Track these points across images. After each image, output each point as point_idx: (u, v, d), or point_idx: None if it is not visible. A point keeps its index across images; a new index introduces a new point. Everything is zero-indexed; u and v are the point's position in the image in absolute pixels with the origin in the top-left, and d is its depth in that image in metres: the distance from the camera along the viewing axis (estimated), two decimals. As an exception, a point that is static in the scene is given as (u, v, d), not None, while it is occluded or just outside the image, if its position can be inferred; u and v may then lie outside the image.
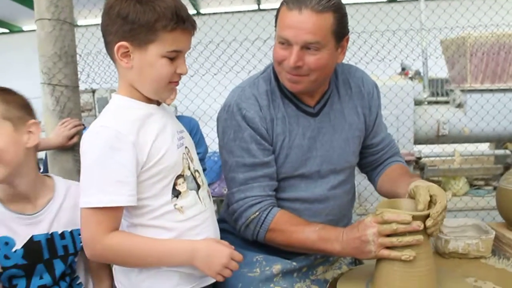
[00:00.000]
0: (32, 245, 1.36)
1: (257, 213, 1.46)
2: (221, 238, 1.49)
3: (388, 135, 1.71)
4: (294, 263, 1.51)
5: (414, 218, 1.20)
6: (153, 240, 1.25)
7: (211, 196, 1.47)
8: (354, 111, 1.59)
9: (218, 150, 1.61)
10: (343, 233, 1.33)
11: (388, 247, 1.23)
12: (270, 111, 1.49)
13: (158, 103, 1.36)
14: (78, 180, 1.27)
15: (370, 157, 1.69)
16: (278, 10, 1.42)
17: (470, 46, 3.72)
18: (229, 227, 1.62)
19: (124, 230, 1.28)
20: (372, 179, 1.74)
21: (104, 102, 6.83)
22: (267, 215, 1.45)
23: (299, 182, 1.54)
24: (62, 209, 1.43)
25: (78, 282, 1.51)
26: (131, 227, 1.29)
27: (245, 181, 1.47)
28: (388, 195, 1.58)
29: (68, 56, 2.22)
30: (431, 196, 1.25)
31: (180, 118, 2.26)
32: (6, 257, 1.33)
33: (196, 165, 1.41)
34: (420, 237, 1.20)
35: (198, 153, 2.28)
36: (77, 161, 2.19)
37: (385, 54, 3.75)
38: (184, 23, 1.23)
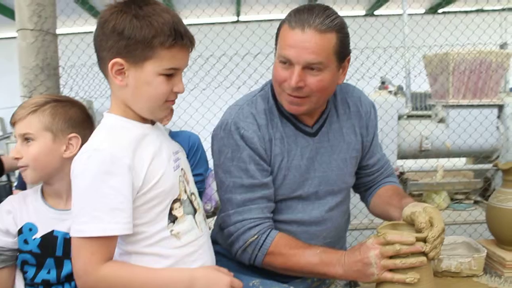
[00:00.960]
0: (49, 238, 1.43)
1: (255, 236, 1.42)
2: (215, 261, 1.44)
3: (383, 156, 1.70)
4: (292, 287, 1.48)
5: (417, 240, 1.18)
6: (149, 269, 1.19)
7: (206, 220, 1.42)
8: (352, 131, 1.57)
9: None
10: (344, 256, 1.31)
11: (390, 270, 1.20)
12: (268, 131, 1.46)
13: (153, 123, 1.30)
14: None
15: (365, 178, 1.68)
16: (279, 28, 1.40)
17: (452, 62, 3.77)
18: (222, 249, 1.58)
19: (118, 260, 1.20)
20: (364, 199, 1.73)
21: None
22: (266, 238, 1.42)
23: (296, 203, 1.51)
24: None
25: None
26: (125, 255, 1.22)
27: (243, 203, 1.44)
28: (380, 216, 1.57)
29: (51, 68, 2.17)
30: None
31: (178, 133, 2.15)
32: (26, 241, 1.42)
33: (192, 187, 1.36)
34: (423, 258, 1.18)
35: (199, 174, 2.20)
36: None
37: (364, 71, 3.78)
38: (182, 39, 1.18)
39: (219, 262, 1.51)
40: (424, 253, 1.19)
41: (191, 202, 1.31)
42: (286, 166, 1.48)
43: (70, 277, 1.44)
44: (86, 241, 1.12)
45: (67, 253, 1.42)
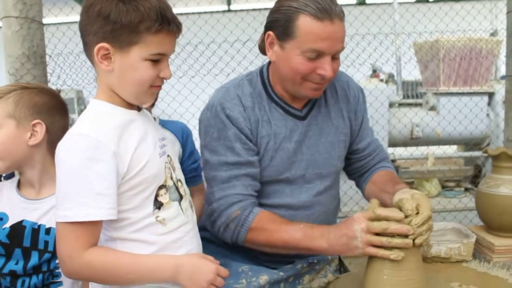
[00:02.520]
0: (18, 228, 1.40)
1: (238, 212, 1.40)
2: (203, 247, 1.43)
3: (374, 140, 1.70)
4: (281, 273, 1.48)
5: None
6: (134, 255, 1.17)
7: (193, 207, 1.41)
8: (340, 115, 1.57)
9: None
10: (329, 230, 1.29)
11: (377, 246, 1.20)
12: (254, 112, 1.46)
13: (139, 109, 1.28)
14: None
15: (357, 163, 1.68)
16: (293, 19, 1.34)
17: (443, 49, 3.78)
18: (211, 236, 1.57)
19: (103, 245, 1.19)
20: (359, 186, 1.72)
21: (69, 102, 6.66)
22: (249, 214, 1.40)
23: (284, 187, 1.50)
24: None
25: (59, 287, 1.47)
26: (110, 241, 1.20)
27: (228, 179, 1.42)
28: None
29: (37, 57, 2.13)
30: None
31: (169, 123, 2.13)
32: None
33: (179, 174, 1.34)
34: (409, 240, 1.18)
35: (195, 162, 2.20)
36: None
37: (354, 58, 3.77)
38: (169, 25, 1.15)
39: (208, 249, 1.50)
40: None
41: (177, 188, 1.29)
42: (274, 147, 1.47)
43: (37, 269, 1.42)
44: (71, 226, 1.10)
45: (34, 244, 1.41)
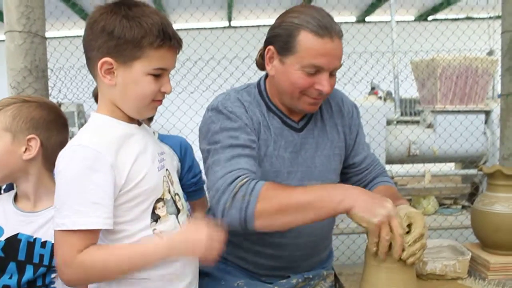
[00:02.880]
0: (13, 241, 1.39)
1: (246, 179, 1.31)
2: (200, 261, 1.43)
3: (371, 155, 1.71)
4: (276, 287, 1.48)
5: None
6: (125, 246, 1.18)
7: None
8: (335, 129, 1.60)
9: None
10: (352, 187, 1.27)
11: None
12: (256, 115, 1.47)
13: (139, 123, 1.31)
14: None
15: (354, 177, 1.69)
16: (294, 34, 1.37)
17: (439, 67, 3.81)
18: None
19: (95, 244, 1.18)
20: None
21: (70, 116, 6.70)
22: (256, 183, 1.30)
23: None
24: None
25: None
26: None
27: (231, 158, 1.36)
28: None
29: (39, 71, 2.15)
30: (409, 225, 1.24)
31: (168, 137, 2.15)
32: None
33: (177, 188, 1.36)
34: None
35: (198, 173, 2.22)
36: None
37: (351, 76, 3.80)
38: (170, 41, 1.20)
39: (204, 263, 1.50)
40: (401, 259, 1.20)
41: (174, 202, 1.31)
42: (273, 154, 1.48)
43: (32, 284, 1.40)
44: (68, 234, 1.12)
45: (29, 258, 1.39)
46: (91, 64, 1.22)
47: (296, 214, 1.26)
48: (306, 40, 1.35)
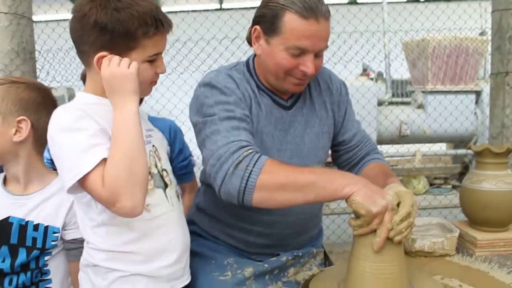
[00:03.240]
0: (4, 225, 1.38)
1: (250, 150, 1.28)
2: (191, 241, 1.45)
3: (361, 131, 1.71)
4: (266, 265, 1.49)
5: None
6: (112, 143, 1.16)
7: (180, 197, 1.43)
8: (323, 107, 1.60)
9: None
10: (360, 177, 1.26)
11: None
12: (247, 92, 1.47)
13: None
14: None
15: (345, 155, 1.69)
16: (279, 16, 1.35)
17: (432, 48, 3.81)
18: (198, 229, 1.59)
19: None
20: None
21: (60, 99, 6.64)
22: (260, 156, 1.28)
23: None
24: (47, 202, 1.43)
25: (48, 285, 1.47)
26: (95, 227, 1.23)
27: (231, 129, 1.34)
28: None
29: (27, 53, 2.14)
30: (398, 204, 1.23)
31: (157, 120, 2.14)
32: None
33: (165, 164, 1.37)
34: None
35: (189, 156, 2.23)
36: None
37: (341, 56, 3.79)
38: (163, 26, 1.21)
39: (194, 242, 1.52)
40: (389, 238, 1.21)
41: (161, 177, 1.33)
42: (263, 130, 1.48)
43: (25, 267, 1.41)
44: (85, 179, 1.10)
45: (22, 241, 1.39)
46: (84, 57, 1.21)
47: (296, 193, 1.23)
48: (290, 21, 1.34)
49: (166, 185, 1.34)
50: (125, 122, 1.15)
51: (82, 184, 1.12)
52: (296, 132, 1.53)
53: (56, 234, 1.44)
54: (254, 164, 1.25)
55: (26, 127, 1.40)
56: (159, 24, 1.19)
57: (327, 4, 1.38)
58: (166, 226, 1.30)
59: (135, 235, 1.24)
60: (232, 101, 1.39)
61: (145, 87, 1.26)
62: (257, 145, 1.39)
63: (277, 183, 1.24)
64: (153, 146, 1.34)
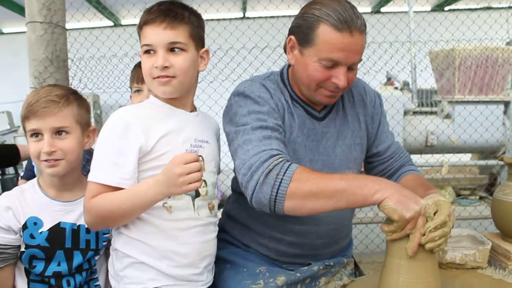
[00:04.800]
0: (57, 230, 1.43)
1: (280, 159, 1.30)
2: (221, 248, 1.48)
3: (395, 143, 1.70)
4: (298, 274, 1.50)
5: None
6: (124, 190, 1.30)
7: (214, 210, 1.46)
8: (356, 119, 1.59)
9: None
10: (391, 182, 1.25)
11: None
12: (281, 102, 1.48)
13: (192, 111, 1.48)
14: None
15: (380, 166, 1.69)
16: (314, 27, 1.37)
17: (458, 57, 3.77)
18: (229, 237, 1.60)
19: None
20: None
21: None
22: (290, 164, 1.29)
23: None
24: None
25: (96, 283, 1.54)
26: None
27: (263, 138, 1.35)
28: None
29: (60, 61, 2.18)
30: (435, 213, 1.21)
31: None
32: (32, 236, 1.41)
33: (206, 176, 1.42)
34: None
35: None
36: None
37: (370, 66, 3.77)
38: (155, 20, 1.33)
39: (226, 249, 1.54)
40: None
41: None
42: (295, 141, 1.48)
43: (80, 268, 1.47)
44: (90, 184, 1.30)
45: (76, 244, 1.45)
46: None
47: (327, 200, 1.23)
48: (325, 33, 1.35)
49: (197, 195, 1.39)
50: (140, 196, 1.27)
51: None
52: (328, 143, 1.53)
53: (106, 235, 1.51)
54: (285, 172, 1.26)
55: (93, 135, 1.51)
56: (152, 15, 1.32)
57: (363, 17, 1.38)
58: (186, 231, 1.37)
59: (151, 229, 1.34)
60: (265, 110, 1.41)
61: (148, 80, 1.37)
62: (289, 155, 1.40)
63: (307, 190, 1.24)
64: (200, 156, 1.40)
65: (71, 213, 1.46)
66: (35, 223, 1.42)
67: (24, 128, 1.44)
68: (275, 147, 1.33)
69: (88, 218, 1.33)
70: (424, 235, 1.18)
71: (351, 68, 1.40)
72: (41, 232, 1.41)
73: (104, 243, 1.51)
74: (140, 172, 1.32)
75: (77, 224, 1.46)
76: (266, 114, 1.40)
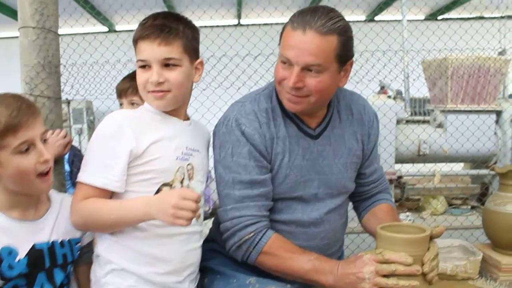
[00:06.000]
0: (35, 253, 1.33)
1: (251, 234, 1.42)
2: (211, 259, 1.47)
3: (380, 168, 1.72)
4: (288, 285, 1.48)
5: (414, 244, 1.20)
6: (116, 200, 1.32)
7: (201, 219, 1.46)
8: (354, 137, 1.58)
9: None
10: (338, 266, 1.32)
11: None
12: (270, 129, 1.47)
13: (185, 120, 1.49)
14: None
15: (360, 188, 1.69)
16: (284, 27, 1.40)
17: (451, 67, 3.79)
18: (219, 247, 1.59)
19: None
20: (358, 212, 1.75)
21: (79, 112, 6.71)
22: (261, 237, 1.43)
23: (296, 204, 1.51)
24: (59, 218, 1.42)
25: None
26: None
27: (241, 199, 1.44)
28: (371, 233, 1.60)
29: (52, 66, 2.16)
30: None
31: None
32: (10, 267, 1.28)
33: (194, 184, 1.43)
34: (416, 283, 1.21)
35: None
36: (59, 175, 2.13)
37: (363, 74, 3.78)
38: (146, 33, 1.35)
39: (215, 259, 1.53)
40: (420, 276, 1.22)
41: None
42: (288, 165, 1.48)
43: (62, 285, 1.42)
44: (79, 184, 1.34)
45: (54, 262, 1.38)
46: None
47: (289, 276, 1.43)
48: (285, 32, 1.39)
49: None
50: (129, 211, 1.29)
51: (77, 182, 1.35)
52: (324, 162, 1.52)
53: (78, 244, 1.47)
54: (254, 247, 1.43)
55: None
56: (147, 31, 1.35)
57: (339, 21, 1.35)
58: (171, 237, 1.38)
59: (137, 233, 1.34)
60: (247, 152, 1.44)
61: (143, 93, 1.41)
62: (280, 180, 1.47)
63: (272, 266, 1.43)
64: (189, 164, 1.43)
65: (41, 231, 1.37)
66: (9, 253, 1.29)
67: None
68: (252, 212, 1.43)
69: (74, 218, 1.36)
70: (423, 264, 1.22)
71: (310, 70, 1.35)
72: (19, 261, 1.30)
73: (78, 253, 1.47)
74: (129, 176, 1.33)
75: (51, 241, 1.38)
76: (247, 157, 1.44)
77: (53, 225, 1.40)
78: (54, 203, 1.44)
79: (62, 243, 1.41)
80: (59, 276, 1.39)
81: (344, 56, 1.38)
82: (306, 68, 1.35)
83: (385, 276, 1.22)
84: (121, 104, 2.03)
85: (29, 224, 1.35)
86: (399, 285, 1.20)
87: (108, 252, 1.37)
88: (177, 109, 1.45)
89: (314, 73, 1.35)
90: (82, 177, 1.33)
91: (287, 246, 1.43)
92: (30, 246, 1.33)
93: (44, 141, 1.32)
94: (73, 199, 1.36)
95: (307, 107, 1.43)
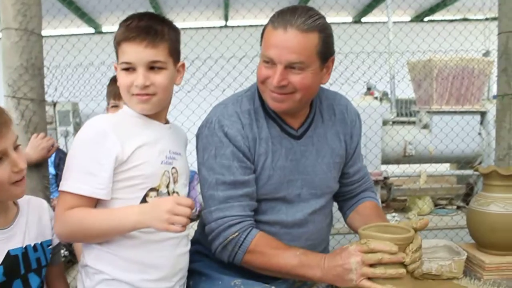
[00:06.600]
0: (10, 260, 1.30)
1: (236, 234, 1.42)
2: (196, 261, 1.46)
3: (363, 168, 1.72)
4: (273, 287, 1.48)
5: (398, 242, 1.20)
6: (104, 209, 1.29)
7: (188, 225, 1.45)
8: (337, 137, 1.58)
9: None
10: (324, 259, 1.32)
11: (369, 278, 1.22)
12: (252, 130, 1.47)
13: (166, 123, 1.47)
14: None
15: (345, 187, 1.69)
16: (264, 28, 1.40)
17: (436, 68, 3.82)
18: (204, 249, 1.58)
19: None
20: (343, 211, 1.75)
21: (65, 115, 6.66)
22: (246, 236, 1.42)
23: (280, 205, 1.51)
24: (29, 222, 1.38)
25: None
26: None
27: (225, 200, 1.43)
28: (357, 232, 1.59)
29: (35, 68, 2.14)
30: None
31: None
32: None
33: (179, 188, 1.43)
34: (403, 270, 1.20)
35: None
36: (43, 178, 2.10)
37: (348, 76, 3.80)
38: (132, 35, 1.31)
39: (201, 262, 1.52)
40: (404, 264, 1.22)
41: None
42: (271, 166, 1.48)
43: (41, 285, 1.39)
44: (63, 193, 1.28)
45: (28, 267, 1.34)
46: None
47: (276, 273, 1.42)
48: (266, 32, 1.39)
49: None
50: (121, 220, 1.26)
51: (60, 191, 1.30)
52: (307, 162, 1.52)
53: (50, 246, 1.43)
54: (239, 246, 1.42)
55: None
56: (132, 33, 1.31)
57: (318, 19, 1.36)
58: (160, 244, 1.35)
59: (125, 240, 1.31)
60: (230, 153, 1.44)
61: (126, 97, 1.37)
62: (263, 181, 1.48)
63: (258, 264, 1.42)
64: (174, 168, 1.41)
65: (13, 238, 1.33)
66: None
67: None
68: (236, 212, 1.43)
69: (59, 230, 1.31)
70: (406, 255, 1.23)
71: (293, 67, 1.36)
72: None
73: (50, 255, 1.42)
74: (114, 183, 1.30)
75: (24, 246, 1.34)
76: (230, 158, 1.44)
77: (25, 230, 1.36)
78: (22, 207, 1.39)
79: (35, 247, 1.37)
80: (34, 280, 1.36)
81: (325, 53, 1.39)
82: (289, 66, 1.36)
83: (371, 266, 1.23)
84: (112, 107, 1.98)
85: (1, 232, 1.31)
86: (386, 273, 1.21)
87: (97, 262, 1.33)
88: (158, 113, 1.42)
89: (297, 71, 1.36)
90: (65, 186, 1.28)
91: (273, 243, 1.42)
92: (4, 255, 1.29)
93: (16, 148, 1.27)
94: (57, 209, 1.29)
95: (292, 106, 1.43)
